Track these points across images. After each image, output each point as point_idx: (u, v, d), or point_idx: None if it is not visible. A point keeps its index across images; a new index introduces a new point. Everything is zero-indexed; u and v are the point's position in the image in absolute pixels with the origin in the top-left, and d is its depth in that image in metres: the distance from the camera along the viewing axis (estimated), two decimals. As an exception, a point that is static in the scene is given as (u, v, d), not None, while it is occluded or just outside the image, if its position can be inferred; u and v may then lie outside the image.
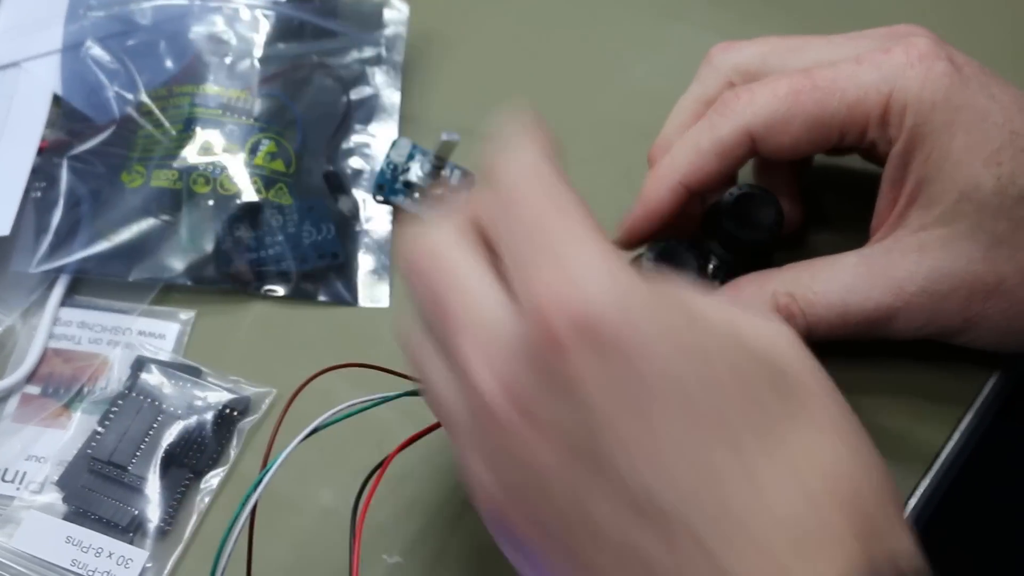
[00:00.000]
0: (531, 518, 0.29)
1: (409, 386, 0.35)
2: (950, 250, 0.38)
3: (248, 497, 0.34)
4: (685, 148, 0.41)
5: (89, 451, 0.42)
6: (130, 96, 0.48)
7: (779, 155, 0.40)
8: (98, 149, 0.47)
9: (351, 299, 0.46)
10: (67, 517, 0.41)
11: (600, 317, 0.27)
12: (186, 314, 0.46)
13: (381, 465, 0.35)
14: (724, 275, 0.40)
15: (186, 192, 0.46)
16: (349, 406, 0.35)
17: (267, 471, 0.33)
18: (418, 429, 0.36)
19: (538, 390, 0.28)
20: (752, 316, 0.30)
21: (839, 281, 0.38)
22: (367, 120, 0.50)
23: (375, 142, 0.49)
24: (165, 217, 0.46)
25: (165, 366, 0.44)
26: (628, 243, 0.41)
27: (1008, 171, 0.37)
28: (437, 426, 0.35)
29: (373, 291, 0.47)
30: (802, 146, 0.40)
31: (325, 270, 0.46)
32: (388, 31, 0.52)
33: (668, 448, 0.27)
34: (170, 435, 0.42)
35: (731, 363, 0.28)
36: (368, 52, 0.51)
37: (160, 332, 0.45)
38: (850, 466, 0.28)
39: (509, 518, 0.30)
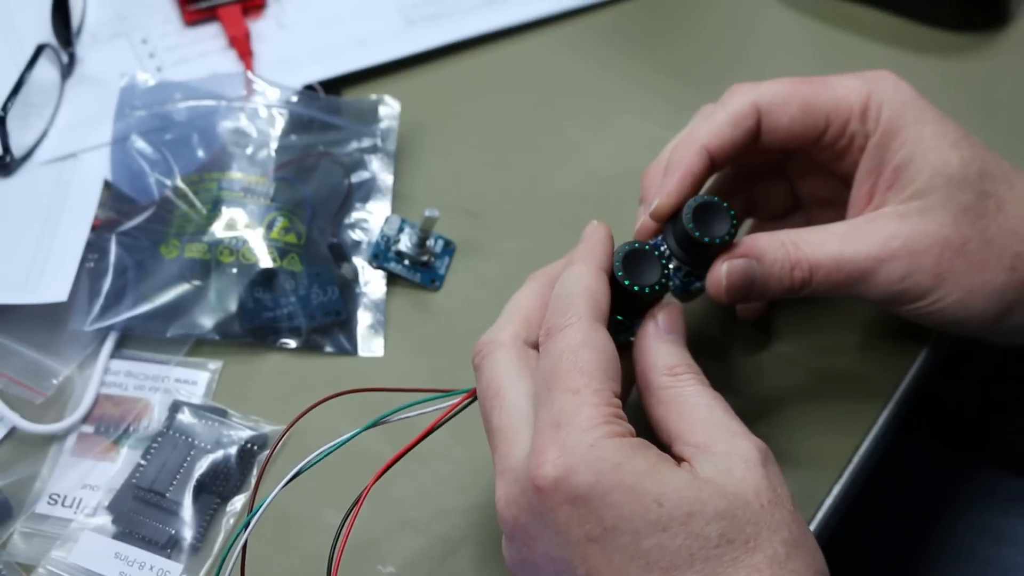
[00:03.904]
0: None
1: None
2: (925, 216, 0.39)
3: (237, 536, 0.35)
4: (700, 122, 0.41)
5: (134, 480, 0.43)
6: (168, 181, 0.50)
7: (775, 137, 0.41)
8: (141, 226, 0.48)
9: (352, 350, 0.47)
10: (116, 536, 0.42)
11: (577, 481, 0.31)
12: (214, 364, 0.47)
13: (357, 502, 0.36)
14: (683, 275, 0.39)
15: (214, 261, 0.47)
16: (321, 451, 0.36)
17: (254, 514, 0.35)
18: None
19: (530, 518, 0.33)
20: (717, 466, 0.32)
21: (835, 236, 0.40)
22: (365, 199, 0.51)
23: (372, 217, 0.50)
24: (196, 283, 0.47)
25: (197, 408, 0.45)
26: (662, 211, 0.39)
27: (969, 154, 0.40)
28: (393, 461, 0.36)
29: (370, 343, 0.48)
30: (796, 128, 0.41)
31: (330, 326, 0.47)
32: (383, 124, 0.53)
33: None
34: (201, 466, 0.43)
35: (684, 525, 0.31)
36: (366, 142, 0.52)
37: (193, 379, 0.46)
38: None
39: (514, 570, 0.35)
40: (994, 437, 0.72)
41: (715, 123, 0.41)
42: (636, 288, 0.36)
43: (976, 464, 0.65)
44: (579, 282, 0.36)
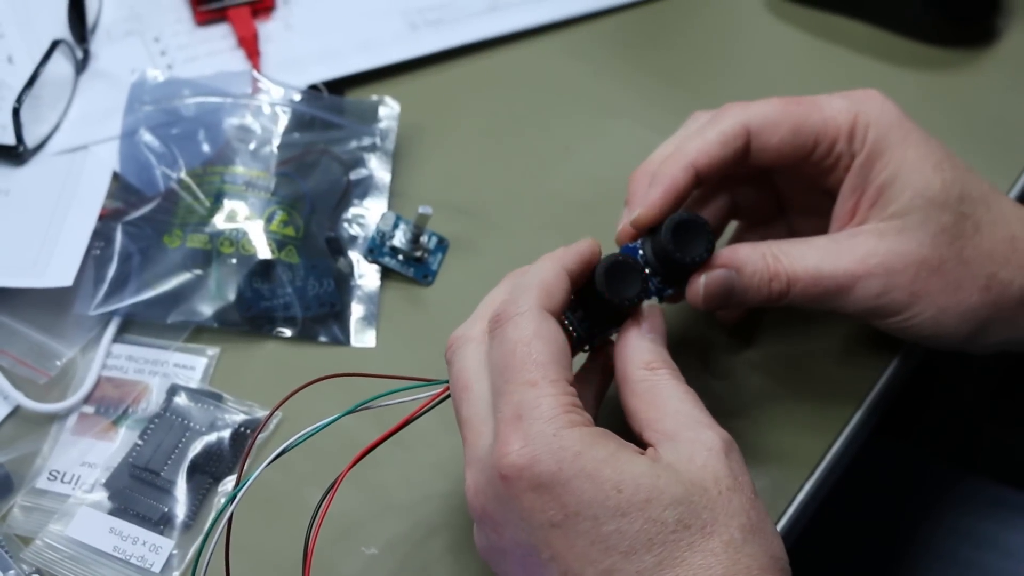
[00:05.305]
0: (496, 564, 0.35)
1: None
2: (904, 235, 0.40)
3: (223, 510, 0.36)
4: (691, 139, 0.41)
5: (131, 459, 0.44)
6: (173, 174, 0.50)
7: (765, 156, 0.41)
8: (147, 216, 0.49)
9: (345, 340, 0.48)
10: (111, 512, 0.43)
11: (540, 469, 0.32)
12: (212, 350, 0.47)
13: (334, 484, 0.37)
14: (658, 281, 0.40)
15: (215, 252, 0.48)
16: (303, 433, 0.37)
17: (240, 488, 0.36)
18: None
19: (496, 506, 0.34)
20: (680, 453, 0.33)
21: (815, 250, 0.40)
22: (363, 196, 0.52)
23: (368, 214, 0.51)
24: (197, 272, 0.48)
25: (193, 392, 0.46)
26: (642, 222, 0.40)
27: (950, 176, 0.41)
28: (369, 450, 0.37)
29: (363, 334, 0.48)
30: (785, 148, 0.41)
31: (325, 316, 0.48)
32: (382, 124, 0.53)
33: (586, 567, 0.32)
34: (196, 448, 0.44)
35: (642, 511, 0.32)
36: (366, 141, 0.53)
37: (191, 364, 0.47)
38: None
39: (484, 555, 0.36)
40: (978, 445, 0.72)
41: (705, 141, 0.41)
42: (615, 301, 0.37)
43: (959, 470, 0.65)
44: (535, 275, 0.37)
